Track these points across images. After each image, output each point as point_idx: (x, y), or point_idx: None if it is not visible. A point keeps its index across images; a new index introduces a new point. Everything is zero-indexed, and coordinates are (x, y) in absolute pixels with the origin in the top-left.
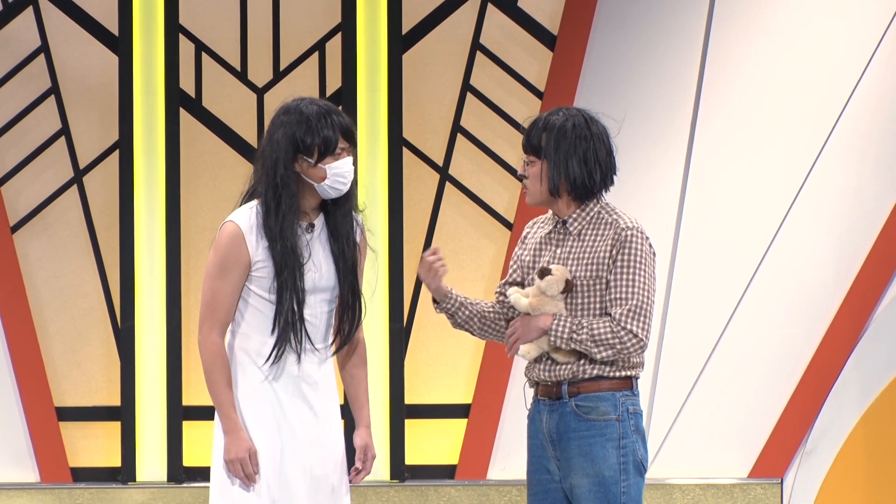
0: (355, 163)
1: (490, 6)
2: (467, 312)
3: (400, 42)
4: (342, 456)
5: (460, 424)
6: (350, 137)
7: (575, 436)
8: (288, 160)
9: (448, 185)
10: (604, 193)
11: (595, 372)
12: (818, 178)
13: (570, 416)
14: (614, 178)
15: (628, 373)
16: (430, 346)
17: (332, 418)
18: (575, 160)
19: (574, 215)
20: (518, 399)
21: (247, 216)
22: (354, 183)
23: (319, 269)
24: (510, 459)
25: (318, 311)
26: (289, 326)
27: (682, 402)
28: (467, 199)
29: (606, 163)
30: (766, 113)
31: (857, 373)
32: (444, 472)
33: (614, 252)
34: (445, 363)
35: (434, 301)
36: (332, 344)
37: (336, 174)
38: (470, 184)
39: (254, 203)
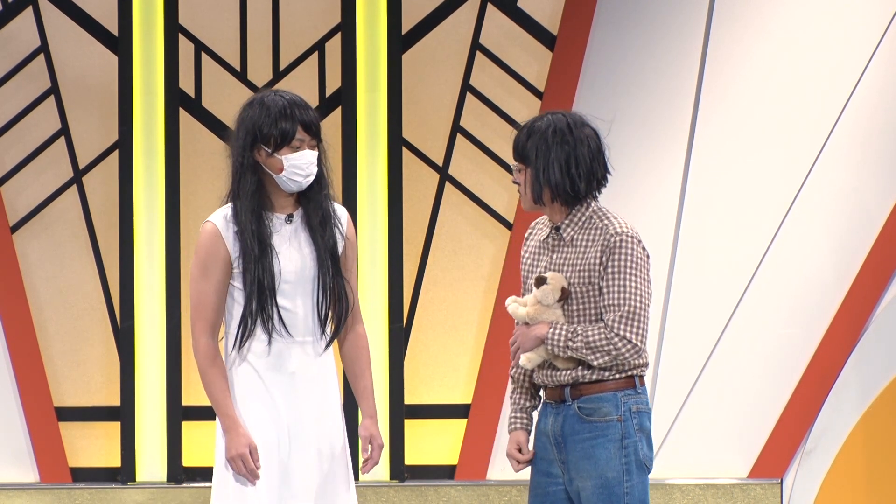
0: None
1: (490, 6)
2: (532, 404)
3: (399, 42)
4: (343, 449)
5: (460, 424)
6: (311, 131)
7: (578, 438)
8: (247, 149)
9: (448, 185)
10: (596, 196)
11: (595, 376)
12: (818, 179)
13: (573, 419)
14: (605, 181)
15: (630, 373)
16: (429, 346)
17: (331, 412)
18: (556, 167)
19: (566, 221)
20: None
21: (222, 214)
22: (323, 174)
23: (300, 258)
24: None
25: (300, 301)
26: (254, 309)
27: (682, 403)
28: (467, 199)
29: (591, 168)
30: (766, 113)
31: (856, 373)
32: (444, 473)
33: (604, 258)
34: (445, 363)
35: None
36: (322, 336)
37: (293, 166)
38: (470, 184)
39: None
